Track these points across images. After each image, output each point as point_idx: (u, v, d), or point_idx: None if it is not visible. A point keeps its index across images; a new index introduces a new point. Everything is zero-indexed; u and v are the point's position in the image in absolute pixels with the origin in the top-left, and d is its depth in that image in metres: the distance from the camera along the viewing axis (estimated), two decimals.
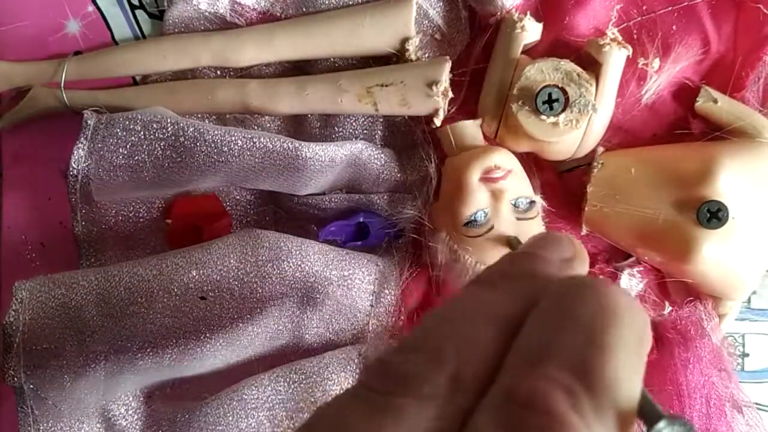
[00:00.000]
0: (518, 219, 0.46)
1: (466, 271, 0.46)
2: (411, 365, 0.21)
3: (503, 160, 0.47)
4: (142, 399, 0.47)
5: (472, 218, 0.46)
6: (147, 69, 0.49)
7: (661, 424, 0.20)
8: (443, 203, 0.48)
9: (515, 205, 0.46)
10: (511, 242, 0.44)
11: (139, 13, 0.51)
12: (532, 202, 0.47)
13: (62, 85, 0.48)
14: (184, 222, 0.49)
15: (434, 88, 0.47)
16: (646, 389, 0.21)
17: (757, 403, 0.52)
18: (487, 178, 0.46)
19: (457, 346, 0.21)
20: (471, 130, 0.49)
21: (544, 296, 0.22)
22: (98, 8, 0.50)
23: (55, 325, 0.41)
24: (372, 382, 0.21)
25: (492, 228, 0.46)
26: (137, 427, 0.47)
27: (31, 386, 0.41)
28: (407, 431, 0.19)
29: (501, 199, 0.46)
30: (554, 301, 0.22)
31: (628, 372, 0.20)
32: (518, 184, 0.47)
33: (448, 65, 0.47)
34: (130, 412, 0.46)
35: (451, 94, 0.48)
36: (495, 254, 0.45)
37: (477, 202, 0.46)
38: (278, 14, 0.50)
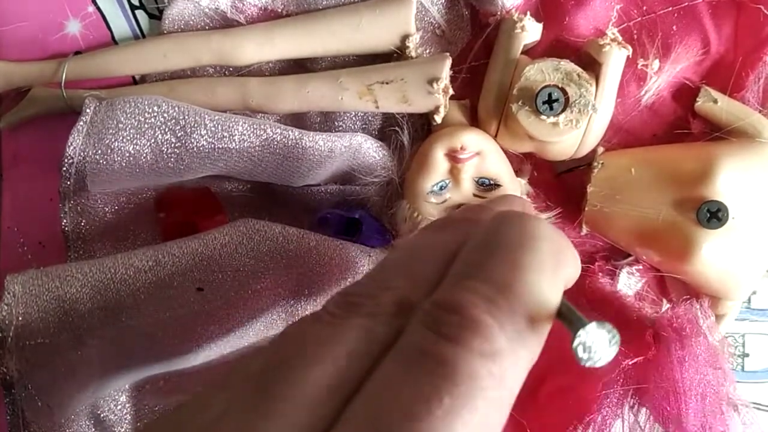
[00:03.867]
0: (476, 195, 0.48)
1: None
2: (363, 292, 0.25)
3: (472, 140, 0.47)
4: (130, 394, 0.47)
5: (432, 188, 0.47)
6: (147, 68, 0.49)
7: (592, 325, 0.23)
8: (411, 173, 0.49)
9: (479, 183, 0.48)
10: None
11: (139, 13, 0.51)
12: (495, 185, 0.48)
13: (62, 85, 0.48)
14: (177, 216, 0.49)
15: (435, 85, 0.46)
16: (569, 302, 0.25)
17: (757, 404, 0.52)
18: (451, 157, 0.47)
19: (403, 276, 0.26)
20: (452, 110, 0.49)
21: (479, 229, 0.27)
22: (98, 8, 0.50)
23: (49, 319, 0.41)
24: (330, 308, 0.25)
25: (450, 198, 0.48)
26: (127, 420, 0.46)
27: (24, 384, 0.41)
28: (358, 344, 0.23)
29: (459, 177, 0.47)
30: (484, 230, 0.26)
31: (542, 284, 0.24)
32: (484, 165, 0.48)
33: (448, 62, 0.47)
34: (119, 407, 0.46)
35: (451, 91, 0.48)
36: None
37: (438, 173, 0.47)
38: (279, 10, 0.50)
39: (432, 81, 0.47)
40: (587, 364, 0.23)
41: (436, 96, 0.47)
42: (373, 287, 0.26)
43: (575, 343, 0.23)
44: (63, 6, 0.50)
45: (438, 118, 0.48)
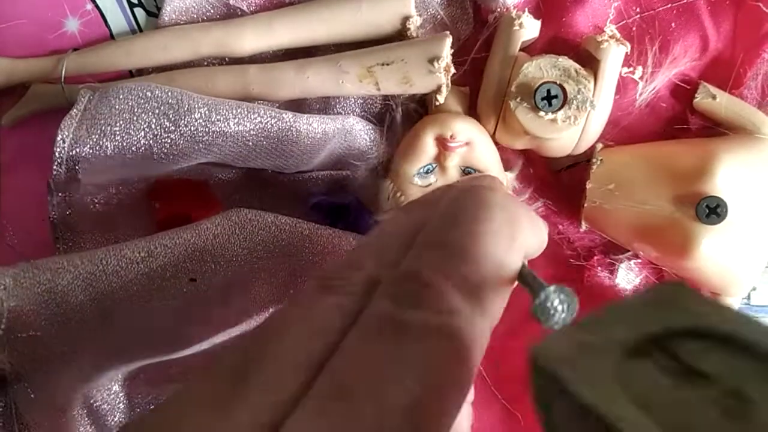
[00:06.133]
0: None
1: None
2: (336, 274, 0.27)
3: (461, 130, 0.47)
4: (123, 383, 0.46)
5: (418, 172, 0.47)
6: (147, 61, 0.49)
7: (551, 289, 0.24)
8: (398, 154, 0.49)
9: (465, 172, 0.48)
10: None
11: (137, 11, 0.51)
12: None
13: (62, 80, 0.48)
14: (172, 207, 0.49)
15: (436, 64, 0.46)
16: (528, 267, 0.26)
17: None
18: (441, 143, 0.47)
19: (374, 256, 0.27)
20: (450, 96, 0.49)
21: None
22: (97, 6, 0.50)
23: (40, 311, 0.40)
24: (307, 290, 0.27)
25: (436, 181, 0.48)
26: (120, 410, 0.46)
27: (16, 376, 0.40)
28: (331, 321, 0.24)
29: (445, 164, 0.47)
30: (445, 204, 0.28)
31: (496, 250, 0.25)
32: (472, 155, 0.47)
33: (448, 41, 0.47)
34: (112, 396, 0.46)
35: (453, 70, 0.47)
36: None
37: (424, 158, 0.47)
38: None
39: (433, 60, 0.46)
40: (546, 326, 0.24)
41: (438, 75, 0.46)
42: (345, 268, 0.27)
43: (535, 304, 0.24)
44: (61, 4, 0.50)
45: (441, 98, 0.48)
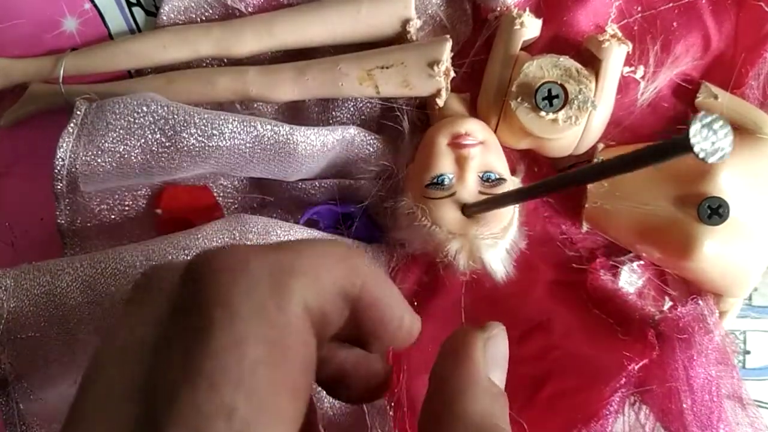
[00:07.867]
0: (481, 192, 0.45)
1: (420, 232, 0.46)
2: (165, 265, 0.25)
3: (475, 129, 0.46)
4: None
5: (435, 180, 0.45)
6: (146, 61, 0.49)
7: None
8: (414, 165, 0.48)
9: (483, 179, 0.46)
10: (464, 208, 0.45)
11: (136, 10, 0.50)
12: (501, 179, 0.46)
13: (61, 81, 0.48)
14: (175, 213, 0.48)
15: (435, 68, 0.46)
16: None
17: (758, 401, 0.51)
18: (455, 144, 0.46)
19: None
20: (453, 101, 0.49)
21: None
22: (95, 5, 0.50)
23: (40, 313, 0.40)
24: (137, 285, 0.25)
25: (454, 194, 0.45)
26: None
27: (17, 377, 0.40)
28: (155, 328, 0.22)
29: (465, 168, 0.45)
30: None
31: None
32: (488, 158, 0.46)
33: (448, 44, 0.46)
34: None
35: (452, 74, 0.47)
36: (451, 219, 0.45)
37: (442, 164, 0.45)
38: None
39: (432, 64, 0.46)
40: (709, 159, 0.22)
41: (437, 79, 0.46)
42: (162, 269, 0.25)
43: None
44: (60, 3, 0.50)
45: (440, 102, 0.47)
